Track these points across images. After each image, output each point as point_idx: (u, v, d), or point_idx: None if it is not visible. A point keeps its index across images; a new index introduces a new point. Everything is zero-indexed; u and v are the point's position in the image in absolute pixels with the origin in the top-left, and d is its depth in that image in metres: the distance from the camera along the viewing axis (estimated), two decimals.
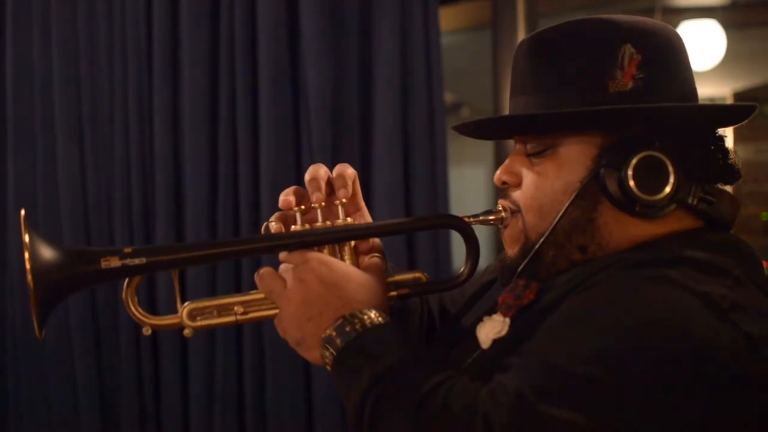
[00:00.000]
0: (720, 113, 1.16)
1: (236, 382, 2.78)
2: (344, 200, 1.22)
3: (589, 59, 1.12)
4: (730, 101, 5.27)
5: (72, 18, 2.87)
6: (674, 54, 1.15)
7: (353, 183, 1.25)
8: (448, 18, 3.30)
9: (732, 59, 4.82)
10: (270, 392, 2.73)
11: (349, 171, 1.25)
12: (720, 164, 1.15)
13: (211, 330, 2.68)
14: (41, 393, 2.92)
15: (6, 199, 2.93)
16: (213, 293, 2.71)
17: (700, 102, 1.18)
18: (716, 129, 1.17)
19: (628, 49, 1.11)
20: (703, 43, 4.70)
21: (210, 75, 2.78)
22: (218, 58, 2.78)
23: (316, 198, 1.20)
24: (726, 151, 1.16)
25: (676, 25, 4.74)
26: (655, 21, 1.16)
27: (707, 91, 5.06)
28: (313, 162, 2.63)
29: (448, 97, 3.10)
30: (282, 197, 1.21)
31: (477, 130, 1.31)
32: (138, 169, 2.82)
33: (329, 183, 1.23)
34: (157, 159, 2.80)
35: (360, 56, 2.76)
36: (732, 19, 4.83)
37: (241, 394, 2.79)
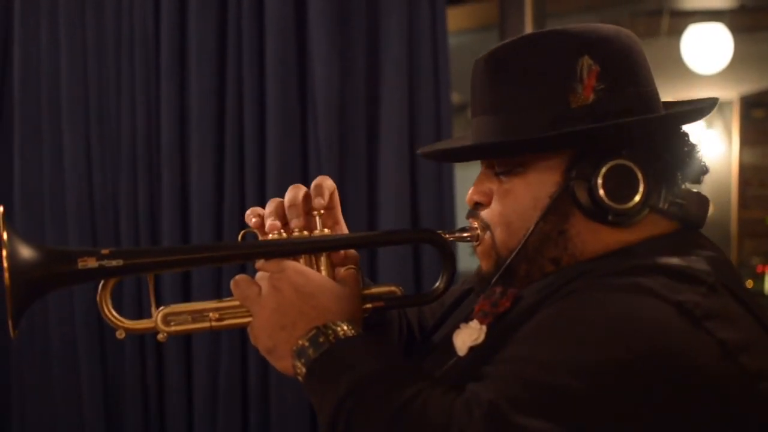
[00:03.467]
0: (682, 117, 1.16)
1: (240, 382, 2.78)
2: (321, 210, 1.21)
3: (548, 75, 1.11)
4: (737, 105, 5.28)
5: (80, 15, 2.87)
6: (632, 58, 1.14)
7: (332, 195, 1.25)
8: (455, 18, 3.31)
9: (739, 63, 4.81)
10: (274, 391, 2.73)
11: (328, 182, 1.24)
12: (688, 164, 1.15)
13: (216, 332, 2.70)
14: (45, 392, 2.92)
15: (12, 196, 2.93)
16: (217, 296, 2.72)
17: (669, 98, 1.17)
18: (681, 128, 1.16)
19: (586, 61, 1.10)
20: (711, 47, 4.69)
21: (217, 73, 2.78)
22: (225, 56, 2.78)
23: (296, 225, 1.20)
24: (692, 148, 1.16)
25: (683, 28, 4.74)
26: (609, 26, 1.15)
27: (714, 94, 5.03)
28: (319, 162, 2.67)
29: (455, 98, 3.10)
30: (269, 223, 1.20)
31: (442, 156, 1.30)
32: (144, 165, 2.82)
33: (307, 199, 1.22)
34: (163, 156, 2.80)
35: (367, 56, 2.76)
36: (739, 22, 4.82)
37: (244, 394, 2.79)
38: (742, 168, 5.30)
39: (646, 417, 0.92)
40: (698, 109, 1.16)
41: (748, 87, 5.22)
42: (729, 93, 5.14)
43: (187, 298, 2.74)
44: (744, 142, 5.28)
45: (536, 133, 1.10)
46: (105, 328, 2.85)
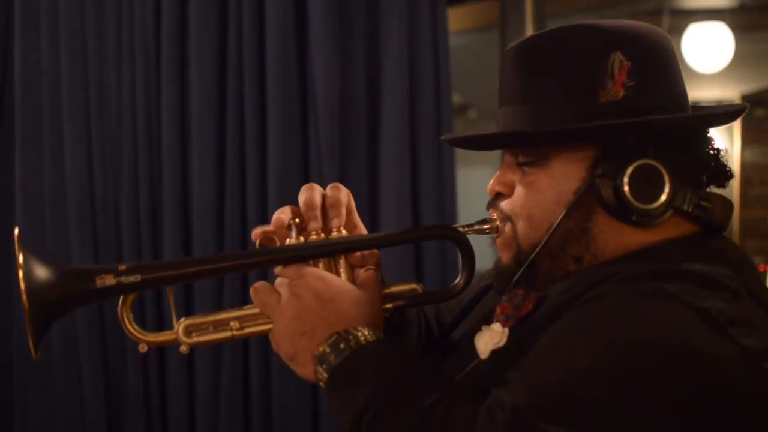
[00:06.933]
0: (712, 119, 1.17)
1: (242, 392, 2.78)
2: (341, 228, 1.20)
3: (579, 69, 1.11)
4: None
5: (80, 18, 2.87)
6: (663, 57, 1.14)
7: (348, 203, 1.24)
8: (455, 19, 3.30)
9: (740, 61, 4.80)
10: (276, 396, 2.73)
11: (342, 195, 1.22)
12: (712, 167, 1.14)
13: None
14: (46, 394, 2.91)
15: (13, 199, 2.93)
16: (219, 307, 2.71)
17: (698, 101, 1.17)
18: (707, 130, 1.16)
19: (618, 57, 1.09)
20: (712, 46, 4.69)
21: (218, 75, 2.78)
22: (226, 58, 2.78)
23: (313, 227, 1.18)
24: (717, 152, 1.15)
25: (684, 27, 4.73)
26: (642, 24, 1.15)
27: (715, 93, 5.05)
28: (320, 163, 2.67)
29: (456, 99, 3.11)
30: (276, 215, 1.19)
31: (468, 142, 1.30)
32: (145, 168, 2.82)
33: (324, 204, 1.21)
34: (164, 159, 2.80)
35: (367, 56, 2.76)
36: (740, 21, 4.82)
37: (247, 404, 2.78)
38: (744, 167, 5.30)
39: (671, 425, 0.92)
40: (727, 111, 1.16)
41: (749, 86, 5.21)
42: (730, 92, 5.13)
43: (189, 306, 2.73)
44: (745, 141, 5.27)
45: (563, 125, 1.10)
46: (107, 330, 2.85)
